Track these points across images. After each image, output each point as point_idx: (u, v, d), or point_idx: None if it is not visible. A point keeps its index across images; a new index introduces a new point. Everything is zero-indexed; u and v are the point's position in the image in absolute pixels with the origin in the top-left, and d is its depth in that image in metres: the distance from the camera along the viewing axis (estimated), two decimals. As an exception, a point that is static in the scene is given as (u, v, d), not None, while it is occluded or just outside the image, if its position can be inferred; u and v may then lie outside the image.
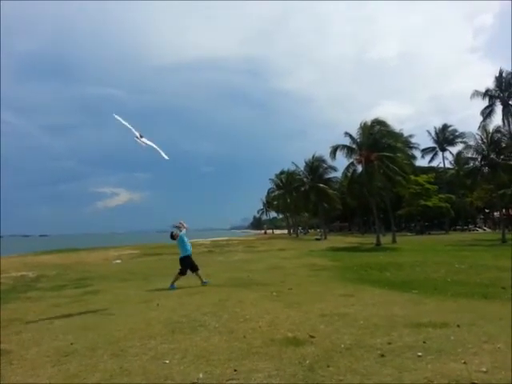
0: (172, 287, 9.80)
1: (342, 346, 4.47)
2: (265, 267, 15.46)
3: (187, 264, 10.25)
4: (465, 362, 3.75)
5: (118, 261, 20.06)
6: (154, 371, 3.94)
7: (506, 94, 41.60)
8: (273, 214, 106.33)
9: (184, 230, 10.42)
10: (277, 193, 63.34)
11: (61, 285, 11.98)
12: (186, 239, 10.36)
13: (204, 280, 10.28)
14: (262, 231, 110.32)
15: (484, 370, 3.53)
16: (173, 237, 10.40)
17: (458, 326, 5.21)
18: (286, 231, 78.66)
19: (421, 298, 8.16)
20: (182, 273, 10.17)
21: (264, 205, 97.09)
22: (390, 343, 4.51)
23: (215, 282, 10.61)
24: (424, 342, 4.49)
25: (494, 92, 42.59)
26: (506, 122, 40.65)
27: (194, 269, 10.35)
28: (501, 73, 42.26)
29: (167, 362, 4.20)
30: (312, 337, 4.88)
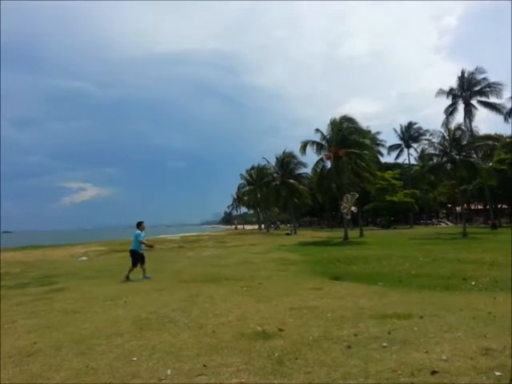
0: (146, 277, 10.76)
1: (310, 338, 4.55)
2: (235, 262, 15.50)
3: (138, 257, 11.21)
4: (427, 352, 3.89)
5: (84, 258, 19.55)
6: (120, 369, 3.87)
7: (468, 93, 43.16)
8: (243, 210, 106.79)
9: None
10: (247, 188, 63.44)
11: (24, 283, 11.55)
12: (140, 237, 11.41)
13: (146, 275, 10.99)
14: (233, 226, 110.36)
15: (444, 358, 3.68)
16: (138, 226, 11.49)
17: (421, 316, 5.40)
18: (256, 226, 78.98)
19: (386, 290, 8.42)
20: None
21: (235, 200, 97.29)
22: (356, 335, 4.63)
23: (185, 278, 10.54)
24: (389, 333, 4.63)
25: (456, 91, 44.11)
26: (467, 120, 42.19)
27: (142, 262, 11.22)
28: (463, 73, 43.80)
29: (135, 359, 4.13)
30: (281, 330, 4.94)
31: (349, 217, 32.25)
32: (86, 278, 10.89)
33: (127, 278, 10.70)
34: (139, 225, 11.50)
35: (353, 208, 29.96)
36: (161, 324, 5.58)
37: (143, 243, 11.50)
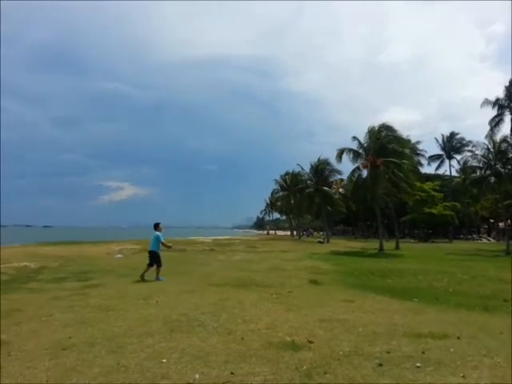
0: (159, 279, 10.91)
1: (341, 352, 4.44)
2: (266, 268, 15.44)
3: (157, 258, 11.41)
4: (463, 376, 3.71)
5: (120, 255, 20.14)
6: (150, 369, 3.94)
7: (516, 103, 41.25)
8: (276, 215, 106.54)
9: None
10: (281, 194, 63.26)
11: (62, 277, 12.02)
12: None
13: (160, 277, 11.07)
14: (265, 232, 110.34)
15: (483, 384, 3.50)
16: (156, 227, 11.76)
17: (458, 337, 5.17)
18: (288, 233, 78.57)
19: (422, 306, 8.11)
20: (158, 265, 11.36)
21: (267, 205, 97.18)
22: (388, 352, 4.48)
23: (215, 282, 10.60)
24: (423, 353, 4.45)
25: (503, 102, 42.19)
26: (514, 132, 40.28)
27: (159, 264, 11.39)
28: (511, 83, 41.90)
29: (164, 360, 4.19)
30: (310, 342, 4.86)
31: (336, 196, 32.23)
32: (121, 276, 11.20)
33: (142, 277, 10.84)
34: (157, 226, 11.70)
35: (340, 189, 29.78)
36: (190, 327, 5.63)
37: (164, 244, 11.69)
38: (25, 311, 6.95)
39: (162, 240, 11.60)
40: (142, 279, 10.80)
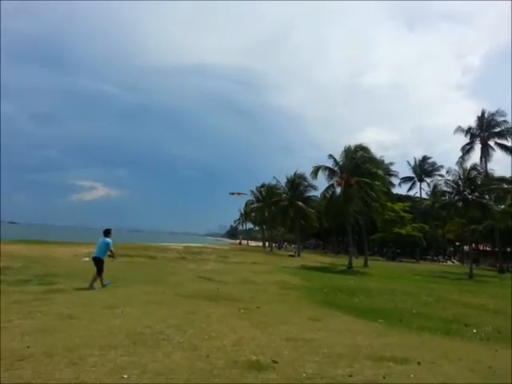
0: (93, 288, 10.40)
1: (304, 375, 4.47)
2: (236, 280, 15.39)
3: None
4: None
5: (87, 259, 19.54)
6: (110, 386, 3.84)
7: (486, 134, 42.99)
8: (249, 225, 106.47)
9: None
10: (255, 205, 63.34)
11: (25, 279, 11.58)
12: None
13: (94, 286, 10.62)
14: (237, 241, 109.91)
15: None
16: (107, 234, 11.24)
17: (419, 363, 5.29)
18: (261, 243, 78.56)
19: (386, 328, 8.27)
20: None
21: (241, 215, 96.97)
22: (350, 375, 4.54)
23: (184, 293, 10.48)
24: (384, 377, 4.54)
25: (475, 130, 43.96)
26: (483, 160, 41.92)
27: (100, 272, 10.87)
28: (483, 113, 43.75)
29: (125, 376, 4.10)
30: (275, 362, 4.87)
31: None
32: (87, 282, 10.86)
33: (91, 287, 10.43)
34: (108, 232, 11.23)
35: None
36: (155, 341, 5.54)
37: (112, 253, 11.24)
38: (-18, 315, 6.66)
39: (112, 248, 11.13)
40: (92, 288, 10.36)
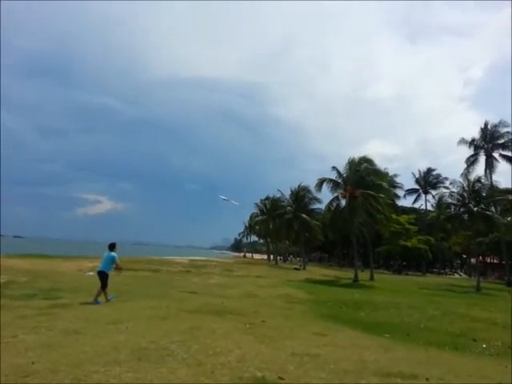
0: (97, 302, 10.40)
1: (310, 391, 4.42)
2: (240, 294, 15.31)
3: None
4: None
5: (91, 273, 19.54)
6: (115, 403, 3.81)
7: (490, 145, 42.96)
8: (254, 238, 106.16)
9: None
10: (260, 218, 63.22)
11: (30, 294, 11.59)
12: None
13: (99, 300, 10.61)
14: (242, 254, 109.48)
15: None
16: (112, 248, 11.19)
17: (427, 379, 5.21)
18: (265, 256, 78.21)
19: (393, 343, 8.17)
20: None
21: (246, 228, 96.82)
22: (357, 392, 4.48)
23: (188, 307, 10.42)
24: (392, 394, 4.47)
25: (478, 142, 43.95)
26: (487, 171, 41.80)
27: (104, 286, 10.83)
28: (486, 125, 43.78)
29: (130, 393, 4.07)
30: (281, 378, 4.81)
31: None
32: (91, 296, 10.84)
33: (96, 301, 10.39)
34: (113, 246, 11.18)
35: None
36: (159, 356, 5.50)
37: (118, 267, 11.20)
38: (-13, 331, 6.66)
39: (118, 261, 11.12)
40: (96, 302, 10.36)
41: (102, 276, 10.82)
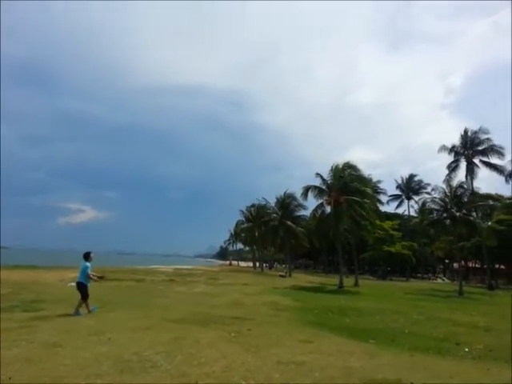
0: (78, 314, 10.11)
1: (295, 400, 4.39)
2: (226, 302, 15.20)
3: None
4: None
5: (73, 284, 19.17)
6: (96, 417, 3.73)
7: (470, 152, 43.85)
8: (239, 246, 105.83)
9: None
10: (246, 225, 63.13)
11: (13, 305, 11.32)
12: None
13: (81, 311, 10.32)
14: (228, 262, 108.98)
15: None
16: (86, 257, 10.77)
17: (411, 384, 5.24)
18: (251, 264, 78.01)
19: (378, 349, 8.20)
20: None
21: (232, 236, 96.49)
22: (343, 400, 4.47)
23: (172, 317, 10.29)
24: (377, 401, 4.47)
25: (459, 149, 44.84)
26: (468, 177, 42.61)
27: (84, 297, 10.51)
28: (466, 131, 44.72)
29: (112, 407, 3.98)
30: (266, 387, 4.77)
31: None
32: (73, 307, 10.61)
33: (77, 312, 10.13)
34: (87, 256, 10.74)
35: None
36: (143, 368, 5.40)
37: (91, 277, 10.69)
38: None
39: (89, 272, 10.60)
40: (77, 314, 10.08)
41: (80, 287, 10.49)
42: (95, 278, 11.03)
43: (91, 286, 10.86)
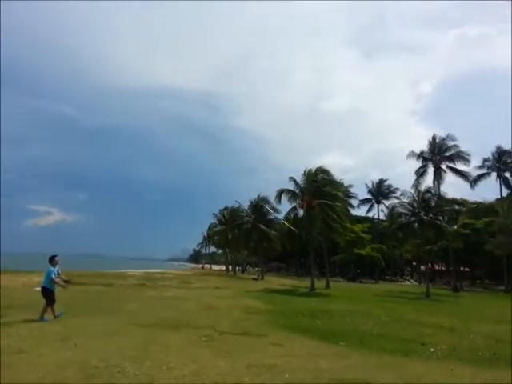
0: (44, 319, 9.78)
1: (265, 403, 4.40)
2: (198, 307, 15.05)
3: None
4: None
5: (38, 288, 18.55)
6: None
7: (438, 158, 45.31)
8: (212, 249, 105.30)
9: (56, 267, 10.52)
10: (219, 228, 62.89)
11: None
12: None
13: (45, 317, 9.99)
14: (200, 265, 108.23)
15: None
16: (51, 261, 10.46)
17: (379, 385, 5.34)
18: (224, 267, 77.73)
19: (347, 351, 8.32)
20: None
21: (205, 238, 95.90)
22: (312, 402, 4.51)
23: (141, 322, 10.10)
24: (345, 402, 4.54)
25: (427, 154, 46.25)
26: (436, 183, 43.98)
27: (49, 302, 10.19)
28: (434, 138, 46.21)
29: (77, 415, 3.87)
30: (236, 391, 4.76)
31: None
32: (38, 313, 10.25)
33: (42, 318, 9.81)
34: (52, 259, 10.43)
35: None
36: (110, 374, 5.28)
37: (56, 282, 10.34)
38: None
39: (53, 276, 10.22)
40: (42, 320, 9.73)
41: (45, 292, 10.14)
42: (61, 283, 10.60)
43: (57, 291, 10.53)
